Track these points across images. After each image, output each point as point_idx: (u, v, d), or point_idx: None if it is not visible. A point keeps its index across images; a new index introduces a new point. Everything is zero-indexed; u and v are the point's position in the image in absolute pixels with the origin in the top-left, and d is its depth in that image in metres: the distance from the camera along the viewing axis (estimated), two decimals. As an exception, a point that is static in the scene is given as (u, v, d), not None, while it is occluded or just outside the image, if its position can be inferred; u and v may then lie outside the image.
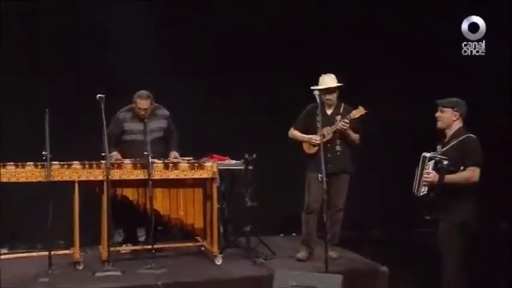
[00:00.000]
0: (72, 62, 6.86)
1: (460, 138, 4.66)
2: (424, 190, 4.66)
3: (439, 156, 4.64)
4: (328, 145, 5.61)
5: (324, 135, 5.49)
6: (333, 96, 5.75)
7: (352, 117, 5.67)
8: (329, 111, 5.79)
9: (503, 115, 7.59)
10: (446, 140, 4.76)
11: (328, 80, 5.76)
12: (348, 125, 5.65)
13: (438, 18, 7.59)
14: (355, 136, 5.74)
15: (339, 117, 5.71)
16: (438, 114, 4.79)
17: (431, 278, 4.96)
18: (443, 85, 7.09)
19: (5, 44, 6.61)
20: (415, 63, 7.60)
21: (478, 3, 7.56)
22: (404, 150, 5.26)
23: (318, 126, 5.43)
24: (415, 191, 4.75)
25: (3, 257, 5.74)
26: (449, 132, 4.76)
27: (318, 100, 5.26)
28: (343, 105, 5.81)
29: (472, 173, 4.59)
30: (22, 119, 6.58)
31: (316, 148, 5.59)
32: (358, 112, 5.69)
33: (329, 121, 5.70)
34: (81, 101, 6.37)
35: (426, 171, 4.64)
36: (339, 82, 5.78)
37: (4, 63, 6.60)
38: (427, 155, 4.69)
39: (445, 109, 4.75)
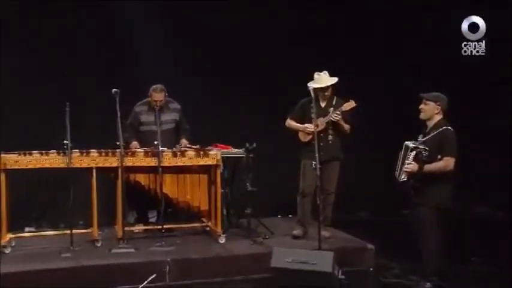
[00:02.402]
0: (91, 62, 7.02)
1: (439, 130, 5.02)
2: (404, 177, 5.02)
3: (420, 146, 4.98)
4: (321, 134, 5.85)
5: (317, 126, 5.76)
6: (328, 91, 6.00)
7: (344, 110, 5.93)
8: (323, 104, 6.03)
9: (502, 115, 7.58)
10: (427, 131, 5.11)
11: (324, 78, 5.97)
12: (340, 117, 5.91)
13: (438, 18, 7.58)
14: (346, 126, 6.00)
15: (331, 109, 5.96)
16: (422, 106, 5.13)
17: (413, 255, 5.29)
18: (443, 85, 7.24)
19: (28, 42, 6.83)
20: (415, 63, 7.63)
21: (478, 3, 7.48)
22: (394, 139, 5.47)
23: (313, 117, 5.70)
24: (397, 176, 5.12)
25: (30, 234, 6.08)
26: (431, 124, 5.12)
27: (312, 94, 5.60)
28: (335, 98, 6.04)
29: (447, 163, 4.96)
30: (44, 111, 6.77)
31: (310, 137, 5.85)
32: (349, 105, 5.94)
33: (322, 113, 5.95)
34: (99, 95, 6.48)
35: (408, 161, 4.98)
36: (331, 76, 5.99)
37: (24, 61, 6.82)
38: (410, 145, 5.03)
39: (428, 102, 5.10)
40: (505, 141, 7.50)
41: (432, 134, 5.07)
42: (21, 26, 6.88)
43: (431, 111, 5.12)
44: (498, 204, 7.69)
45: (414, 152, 4.99)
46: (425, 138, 5.09)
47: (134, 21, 7.00)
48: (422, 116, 5.16)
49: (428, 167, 4.96)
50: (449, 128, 5.06)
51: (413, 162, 4.97)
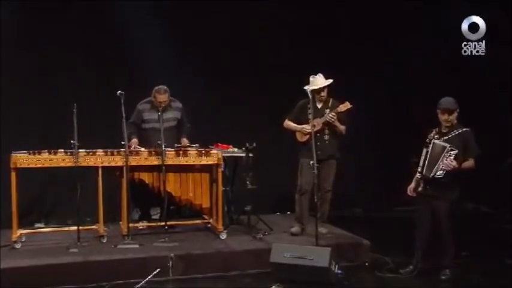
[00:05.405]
0: (98, 61, 7.12)
1: (462, 130, 5.27)
2: (441, 173, 5.20)
3: (454, 148, 5.18)
4: (318, 135, 6.00)
5: (314, 126, 5.91)
6: (325, 93, 6.15)
7: (339, 111, 6.07)
8: (319, 105, 6.18)
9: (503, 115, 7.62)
10: (445, 131, 5.31)
11: (319, 80, 6.10)
12: (335, 118, 6.06)
13: (438, 18, 7.63)
14: (342, 127, 6.15)
15: (327, 111, 6.11)
16: (450, 117, 5.26)
17: (406, 249, 5.50)
18: (443, 85, 7.14)
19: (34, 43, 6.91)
20: (415, 63, 7.69)
21: (478, 3, 7.51)
22: (391, 144, 5.44)
23: (310, 118, 5.85)
24: (427, 172, 5.26)
25: (39, 230, 6.23)
26: (448, 125, 5.31)
27: (309, 96, 5.78)
28: (331, 100, 6.18)
29: (473, 163, 5.24)
30: (53, 111, 6.88)
31: (308, 137, 5.99)
32: (345, 106, 6.10)
33: (319, 114, 6.10)
34: (105, 95, 6.64)
35: (449, 159, 5.15)
36: (327, 79, 6.12)
37: (35, 62, 6.92)
38: (447, 145, 5.19)
39: (455, 111, 5.29)
40: (505, 141, 7.58)
41: (454, 134, 5.28)
42: (25, 27, 6.94)
43: (455, 118, 5.32)
44: (492, 202, 7.87)
45: (454, 153, 5.17)
46: (446, 138, 5.28)
47: (135, 21, 7.06)
48: (448, 124, 5.31)
49: (464, 166, 5.21)
50: (468, 129, 5.29)
51: (454, 161, 5.17)
